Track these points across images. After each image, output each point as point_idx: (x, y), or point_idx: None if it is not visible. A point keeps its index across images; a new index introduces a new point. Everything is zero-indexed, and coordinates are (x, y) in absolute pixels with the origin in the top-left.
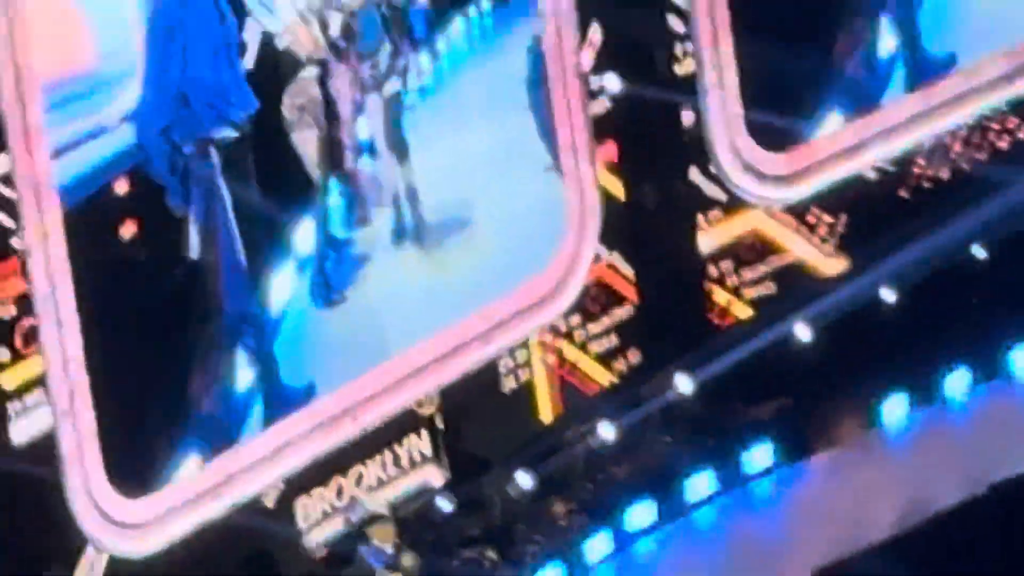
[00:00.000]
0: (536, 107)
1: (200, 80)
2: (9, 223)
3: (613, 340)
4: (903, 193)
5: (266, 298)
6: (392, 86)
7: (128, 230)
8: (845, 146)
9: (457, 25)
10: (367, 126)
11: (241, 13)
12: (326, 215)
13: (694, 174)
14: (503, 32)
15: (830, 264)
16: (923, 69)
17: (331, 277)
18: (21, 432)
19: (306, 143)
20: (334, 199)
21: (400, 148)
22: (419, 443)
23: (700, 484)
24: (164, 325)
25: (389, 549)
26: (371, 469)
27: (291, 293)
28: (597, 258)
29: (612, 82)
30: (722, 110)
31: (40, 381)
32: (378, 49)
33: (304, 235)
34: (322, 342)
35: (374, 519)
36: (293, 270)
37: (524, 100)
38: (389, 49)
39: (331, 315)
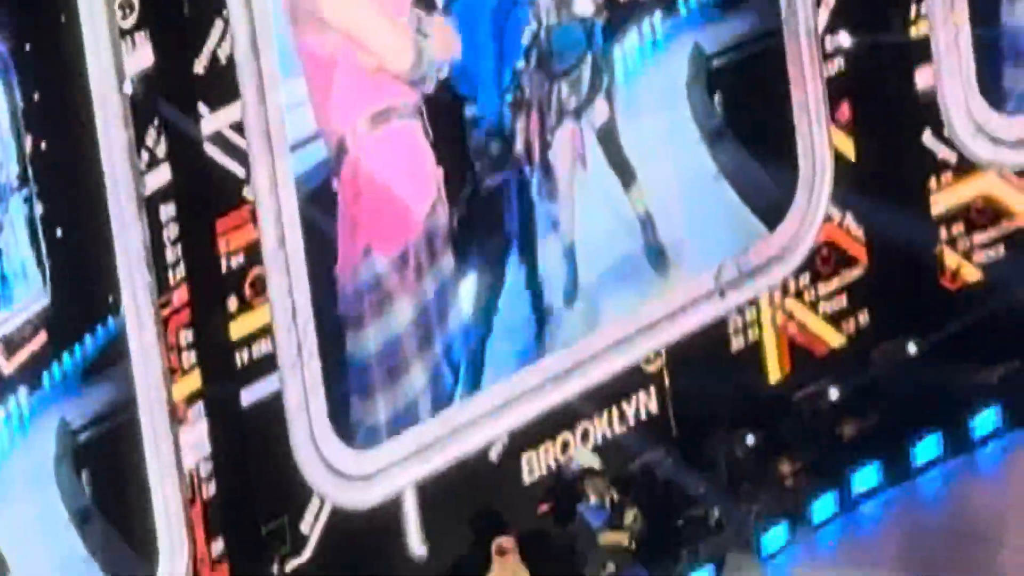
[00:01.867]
0: (699, 110)
1: None
2: (240, 172)
3: (843, 301)
4: None
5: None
6: (602, 110)
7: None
8: None
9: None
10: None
11: None
12: None
13: (927, 136)
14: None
15: None
16: None
17: None
18: (249, 381)
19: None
20: None
21: (625, 171)
22: (646, 400)
23: (927, 448)
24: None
25: (606, 505)
26: (597, 425)
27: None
28: (828, 218)
29: (846, 41)
30: (956, 72)
31: (268, 331)
32: (577, 66)
33: None
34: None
35: (587, 473)
36: None
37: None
38: (589, 66)
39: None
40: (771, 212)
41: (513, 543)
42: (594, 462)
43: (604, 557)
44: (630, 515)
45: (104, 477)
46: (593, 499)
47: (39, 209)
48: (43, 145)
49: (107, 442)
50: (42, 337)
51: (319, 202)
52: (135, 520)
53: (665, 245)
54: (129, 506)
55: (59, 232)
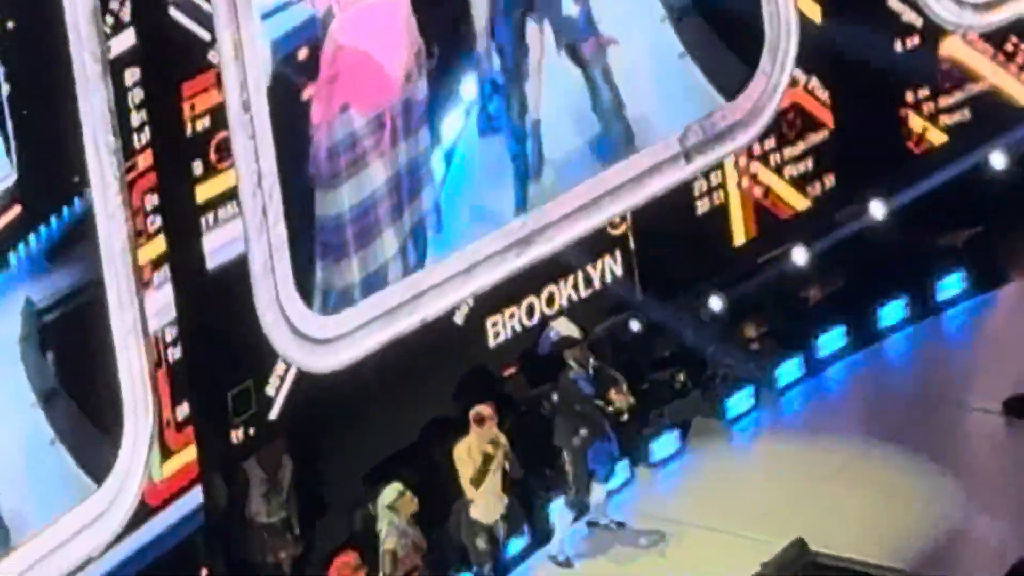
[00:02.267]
0: None
1: None
2: (205, 36)
3: (808, 165)
4: None
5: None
6: None
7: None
8: None
9: None
10: None
11: None
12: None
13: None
14: None
15: None
16: None
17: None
18: (214, 244)
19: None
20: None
21: None
22: (611, 264)
23: (892, 312)
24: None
25: (587, 373)
26: (563, 289)
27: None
28: (794, 82)
29: None
30: None
31: (233, 195)
32: None
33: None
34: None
35: (566, 342)
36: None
37: None
38: None
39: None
40: (736, 90)
41: (492, 411)
42: (574, 331)
43: (577, 423)
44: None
45: (70, 357)
46: (574, 368)
47: (6, 90)
48: (9, 25)
49: (73, 322)
50: (7, 217)
51: (295, 66)
52: (102, 401)
53: (631, 122)
54: (96, 387)
55: (26, 113)
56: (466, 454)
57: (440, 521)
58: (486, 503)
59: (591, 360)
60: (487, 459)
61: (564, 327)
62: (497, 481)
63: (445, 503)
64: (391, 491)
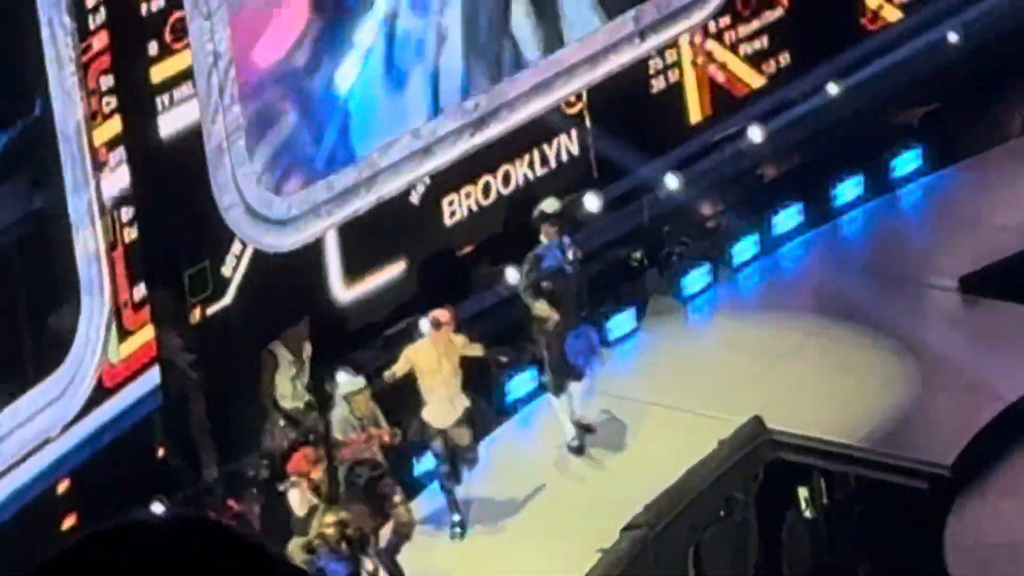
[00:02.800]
0: None
1: None
2: None
3: (763, 42)
4: None
5: None
6: None
7: None
8: None
9: None
10: None
11: None
12: None
13: None
14: None
15: None
16: None
17: None
18: (169, 125)
19: None
20: None
21: None
22: (567, 142)
23: (848, 189)
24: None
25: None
26: (519, 167)
27: None
28: None
29: None
30: None
31: (189, 75)
32: None
33: None
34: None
35: (545, 217)
36: None
37: None
38: None
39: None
40: None
41: (449, 316)
42: (555, 207)
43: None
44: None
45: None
46: (543, 240)
47: None
48: None
49: (29, 245)
50: None
51: None
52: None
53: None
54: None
55: None
56: (415, 355)
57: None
58: (437, 407)
59: (563, 237)
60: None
61: (549, 205)
62: (449, 388)
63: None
64: (352, 384)
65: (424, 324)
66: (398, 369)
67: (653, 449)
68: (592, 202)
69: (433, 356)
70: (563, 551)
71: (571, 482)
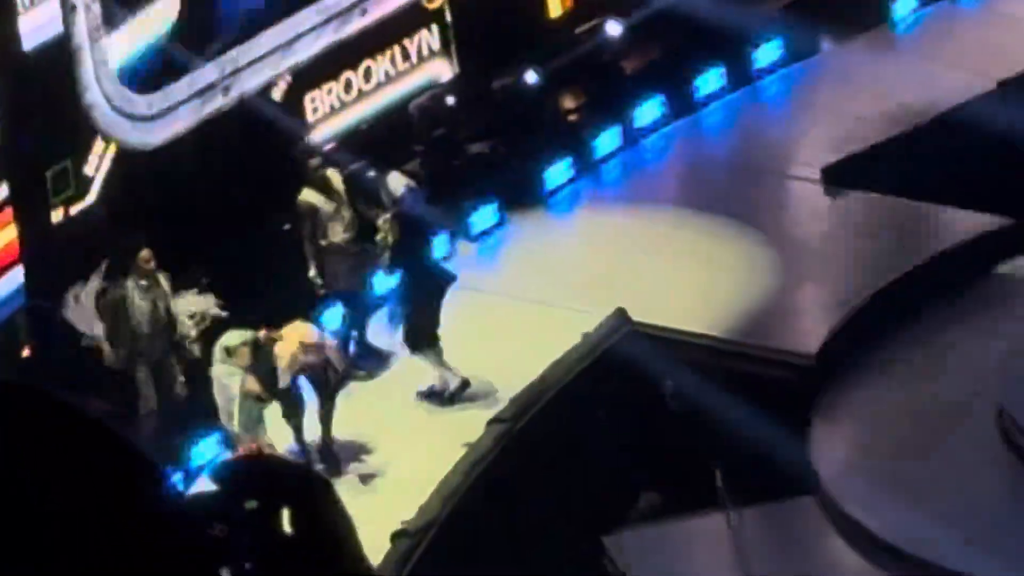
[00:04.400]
0: None
1: None
2: None
3: None
4: None
5: None
6: None
7: None
8: None
9: None
10: None
11: None
12: None
13: None
14: None
15: None
16: None
17: None
18: (30, 24)
19: None
20: None
21: None
22: (428, 37)
23: (709, 80)
24: None
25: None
26: (380, 63)
27: None
28: None
29: None
30: None
31: None
32: None
33: None
34: None
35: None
36: None
37: None
38: None
39: None
40: None
41: None
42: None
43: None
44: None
45: None
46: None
47: None
48: None
49: None
50: None
51: None
52: None
53: None
54: None
55: None
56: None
57: None
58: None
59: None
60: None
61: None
62: None
63: None
64: (236, 336)
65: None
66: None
67: (517, 344)
68: (452, 97)
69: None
70: (428, 446)
71: (435, 375)
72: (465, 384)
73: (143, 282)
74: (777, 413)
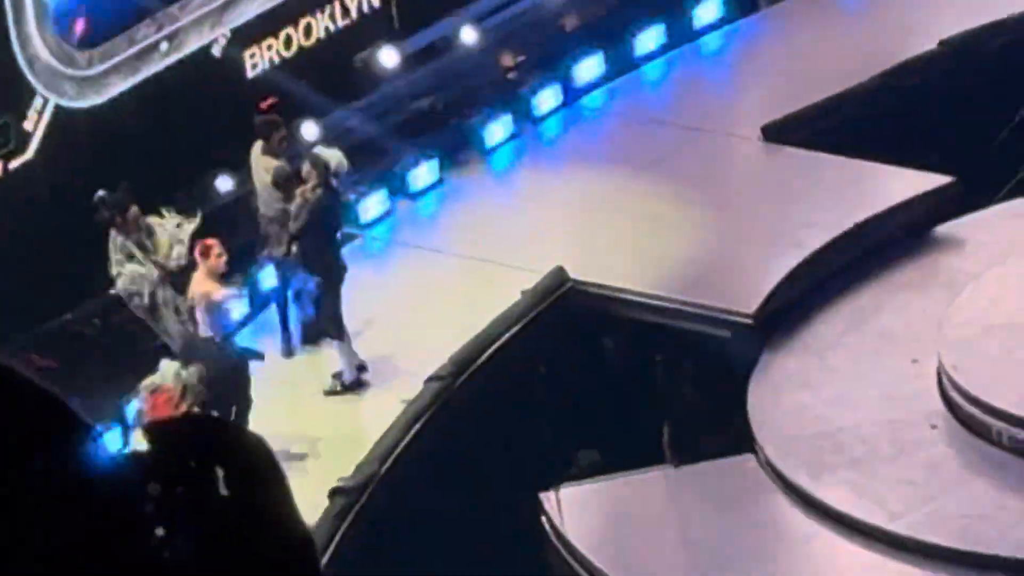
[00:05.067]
0: None
1: None
2: None
3: None
4: None
5: None
6: None
7: None
8: None
9: None
10: None
11: None
12: None
13: None
14: None
15: None
16: None
17: None
18: None
19: None
20: None
21: None
22: None
23: (649, 38)
24: None
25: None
26: (320, 19)
27: None
28: None
29: None
30: None
31: None
32: None
33: None
34: None
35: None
36: None
37: None
38: None
39: None
40: None
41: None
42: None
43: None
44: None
45: None
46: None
47: None
48: None
49: None
50: None
51: None
52: None
53: None
54: None
55: None
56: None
57: None
58: None
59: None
60: None
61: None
62: None
63: None
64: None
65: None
66: None
67: (456, 301)
68: (392, 54)
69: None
70: (367, 403)
71: (375, 333)
72: (362, 368)
73: (139, 236)
74: (716, 372)
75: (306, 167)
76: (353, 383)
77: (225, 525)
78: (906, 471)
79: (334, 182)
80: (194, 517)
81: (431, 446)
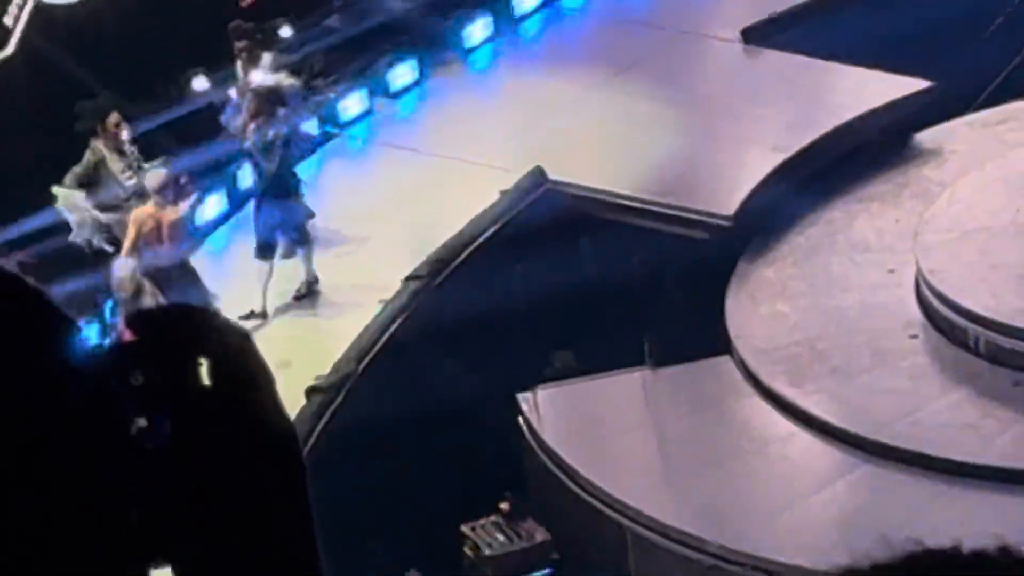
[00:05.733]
0: None
1: None
2: None
3: None
4: None
5: None
6: None
7: None
8: None
9: None
10: None
11: None
12: None
13: None
14: None
15: None
16: None
17: None
18: None
19: None
20: None
21: None
22: None
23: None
24: None
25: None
26: None
27: None
28: None
29: None
30: None
31: None
32: None
33: None
34: None
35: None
36: None
37: None
38: None
39: None
40: None
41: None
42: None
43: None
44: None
45: None
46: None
47: None
48: None
49: None
50: None
51: None
52: None
53: None
54: None
55: None
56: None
57: None
58: None
59: None
60: None
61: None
62: None
63: None
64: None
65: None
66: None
67: (434, 201)
68: None
69: None
70: (344, 299)
71: (353, 232)
72: (314, 281)
73: (113, 146)
74: (694, 274)
75: (250, 101)
76: (302, 293)
77: (208, 416)
78: (887, 381)
79: (280, 111)
80: (177, 407)
81: (408, 345)
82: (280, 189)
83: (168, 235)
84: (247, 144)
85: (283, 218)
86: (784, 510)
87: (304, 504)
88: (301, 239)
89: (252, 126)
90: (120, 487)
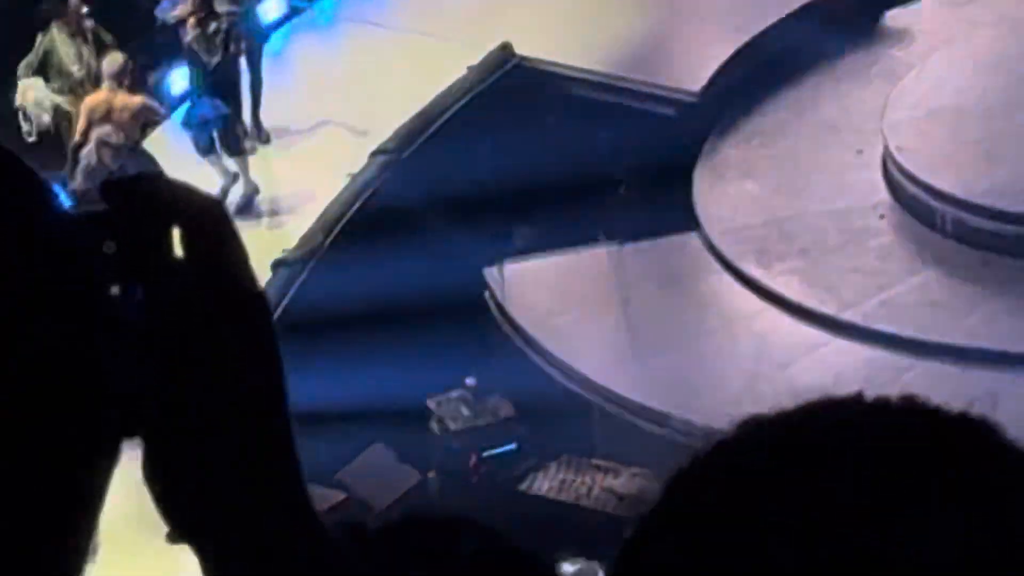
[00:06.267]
0: None
1: None
2: None
3: None
4: None
5: None
6: None
7: None
8: None
9: None
10: None
11: None
12: None
13: None
14: None
15: None
16: None
17: None
18: None
19: None
20: None
21: None
22: None
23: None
24: None
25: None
26: None
27: None
28: None
29: None
30: None
31: None
32: None
33: None
34: None
35: None
36: None
37: None
38: None
39: None
40: None
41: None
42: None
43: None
44: None
45: None
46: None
47: None
48: None
49: None
50: None
51: None
52: None
53: None
54: None
55: None
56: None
57: None
58: None
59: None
60: None
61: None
62: None
63: None
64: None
65: None
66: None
67: (402, 76)
68: None
69: None
70: (315, 176)
71: (320, 107)
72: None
73: (71, 31)
74: (661, 151)
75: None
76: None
77: (179, 282)
78: (855, 260)
79: (221, 7)
80: (148, 275)
81: (374, 219)
82: (221, 87)
83: (118, 119)
84: (187, 39)
85: (216, 115)
86: (750, 386)
87: (277, 369)
88: (232, 146)
89: (192, 20)
90: (94, 358)
